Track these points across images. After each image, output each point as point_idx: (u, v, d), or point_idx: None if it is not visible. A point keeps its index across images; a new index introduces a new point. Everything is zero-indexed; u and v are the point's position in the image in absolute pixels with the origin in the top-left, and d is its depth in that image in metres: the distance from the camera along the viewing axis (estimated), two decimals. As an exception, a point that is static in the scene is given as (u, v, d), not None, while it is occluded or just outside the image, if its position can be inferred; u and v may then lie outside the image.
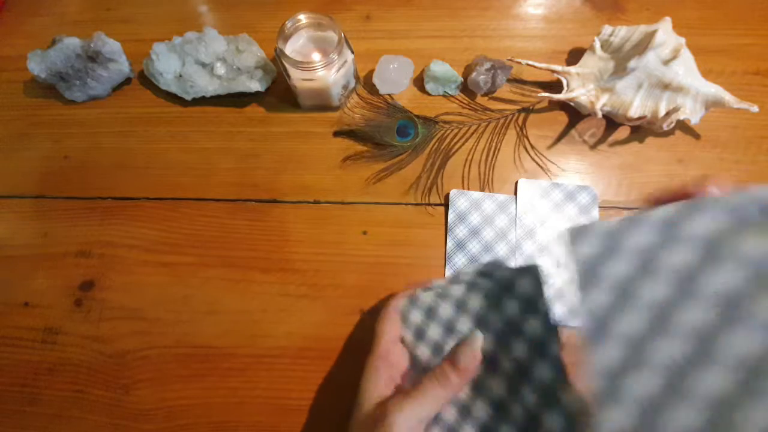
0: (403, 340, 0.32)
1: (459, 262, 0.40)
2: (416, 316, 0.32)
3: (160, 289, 0.41)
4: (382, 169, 0.44)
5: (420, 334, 0.32)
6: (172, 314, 0.41)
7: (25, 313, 0.42)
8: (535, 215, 0.41)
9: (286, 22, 0.41)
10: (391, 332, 0.32)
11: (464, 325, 0.30)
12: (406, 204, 0.43)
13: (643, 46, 0.40)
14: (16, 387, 0.39)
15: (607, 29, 0.43)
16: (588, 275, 0.22)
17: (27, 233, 0.44)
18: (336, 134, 0.46)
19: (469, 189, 0.43)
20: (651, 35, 0.39)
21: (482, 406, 0.29)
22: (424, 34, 0.50)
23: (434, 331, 0.31)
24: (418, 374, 0.31)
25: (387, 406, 0.27)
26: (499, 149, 0.44)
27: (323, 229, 0.43)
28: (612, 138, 0.44)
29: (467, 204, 0.42)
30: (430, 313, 0.32)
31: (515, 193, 0.42)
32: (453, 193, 0.42)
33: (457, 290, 0.31)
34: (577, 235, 0.22)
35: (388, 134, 0.45)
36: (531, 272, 0.28)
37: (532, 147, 0.44)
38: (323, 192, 0.44)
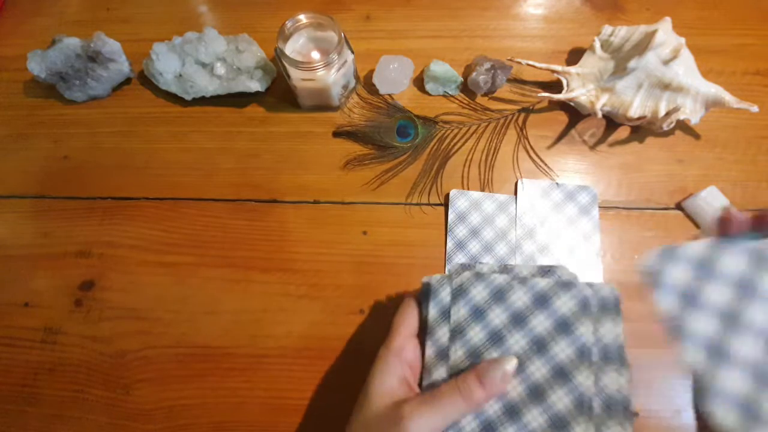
0: (424, 334, 0.30)
1: (459, 262, 0.40)
2: (481, 294, 0.29)
3: (160, 289, 0.41)
4: (382, 171, 0.44)
5: (479, 314, 0.29)
6: (172, 314, 0.41)
7: (25, 313, 0.42)
8: (535, 215, 0.41)
9: (286, 22, 0.41)
10: (409, 326, 0.30)
11: (540, 324, 0.28)
12: (406, 204, 0.43)
13: (643, 46, 0.40)
14: (16, 387, 0.39)
15: (607, 29, 0.43)
16: (688, 300, 0.23)
17: (27, 233, 0.44)
18: (336, 134, 0.46)
19: (469, 189, 0.43)
20: (651, 35, 0.39)
21: (536, 415, 0.26)
22: (424, 34, 0.50)
23: (498, 317, 0.28)
24: (433, 373, 0.29)
25: (403, 409, 0.25)
26: (499, 149, 0.44)
27: (323, 229, 0.43)
28: (612, 138, 0.44)
29: (467, 204, 0.42)
30: (501, 295, 0.29)
31: (515, 193, 0.42)
32: (453, 193, 0.42)
33: (543, 283, 0.28)
34: (665, 258, 0.24)
35: (388, 134, 0.45)
36: (615, 295, 0.28)
37: (532, 147, 0.44)
38: (323, 192, 0.44)
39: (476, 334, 0.28)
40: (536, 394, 0.27)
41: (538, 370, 0.27)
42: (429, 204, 0.43)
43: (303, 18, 0.42)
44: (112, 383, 0.39)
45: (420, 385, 0.29)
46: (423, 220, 0.42)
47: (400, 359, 0.29)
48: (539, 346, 0.27)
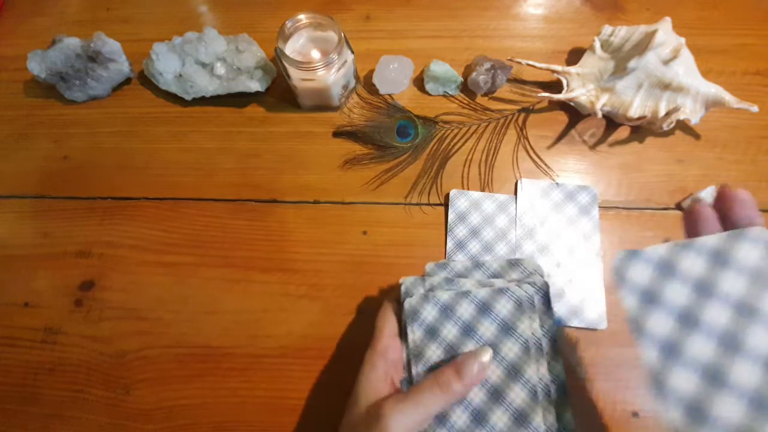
0: (403, 335, 0.31)
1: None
2: (430, 313, 0.31)
3: (160, 289, 0.41)
4: (382, 171, 0.44)
5: (433, 332, 0.30)
6: (172, 314, 0.41)
7: (25, 313, 0.42)
8: (535, 215, 0.41)
9: (286, 22, 0.41)
10: (392, 326, 0.31)
11: (487, 329, 0.30)
12: (406, 204, 0.43)
13: (643, 46, 0.40)
14: (16, 387, 0.39)
15: (607, 29, 0.43)
16: (648, 300, 0.23)
17: (27, 233, 0.44)
18: (336, 134, 0.46)
19: (469, 189, 0.43)
20: (651, 35, 0.39)
21: (500, 415, 0.28)
22: (424, 34, 0.50)
23: (450, 332, 0.30)
24: (416, 372, 0.30)
25: (383, 406, 0.26)
26: (499, 149, 0.44)
27: (323, 229, 0.43)
28: (612, 138, 0.44)
29: (467, 204, 0.42)
30: (448, 311, 0.31)
31: (515, 193, 0.42)
32: (453, 193, 0.42)
33: (483, 292, 0.30)
34: (628, 259, 0.24)
35: (388, 134, 0.45)
36: (543, 289, 0.30)
37: (532, 147, 0.44)
38: (323, 192, 0.44)
39: (434, 352, 0.30)
40: (496, 395, 0.29)
41: (494, 372, 0.29)
42: (429, 204, 0.43)
43: (303, 18, 0.42)
44: (112, 383, 0.39)
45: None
46: (423, 220, 0.42)
47: (385, 359, 0.30)
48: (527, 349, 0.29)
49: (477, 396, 0.29)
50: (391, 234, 0.42)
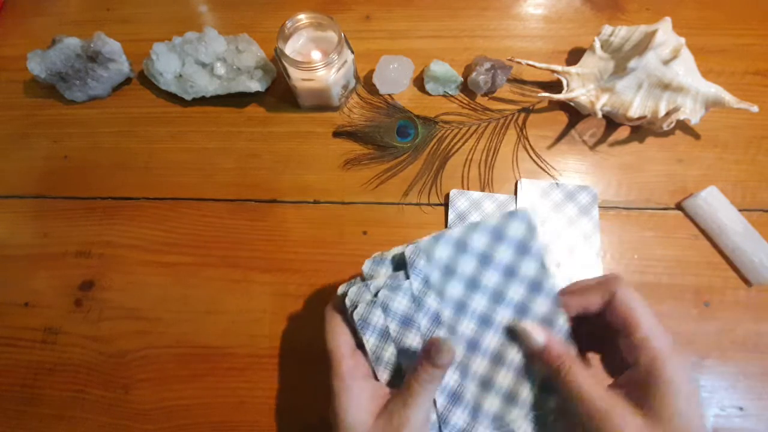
0: (361, 345, 0.29)
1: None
2: (379, 317, 0.29)
3: (160, 289, 0.41)
4: (382, 171, 0.44)
5: (386, 334, 0.29)
6: (172, 314, 0.41)
7: (25, 313, 0.42)
8: (535, 215, 0.41)
9: (286, 22, 0.41)
10: (346, 344, 0.29)
11: (453, 291, 0.30)
12: (406, 204, 0.43)
13: (643, 46, 0.40)
14: (16, 387, 0.40)
15: (607, 29, 0.43)
16: (447, 272, 0.30)
17: (27, 233, 0.44)
18: (336, 134, 0.46)
19: (469, 189, 0.43)
20: (651, 35, 0.39)
21: (480, 362, 0.29)
22: (424, 34, 0.50)
23: (423, 322, 0.29)
24: (383, 360, 0.29)
25: (392, 420, 0.25)
26: (498, 149, 0.44)
27: (323, 229, 0.43)
28: (612, 138, 0.44)
29: (467, 204, 0.42)
30: (388, 310, 0.29)
31: (515, 194, 0.42)
32: (453, 193, 0.42)
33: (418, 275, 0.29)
34: (434, 241, 0.30)
35: (388, 134, 0.45)
36: (520, 217, 0.30)
37: (532, 147, 0.44)
38: (323, 192, 0.44)
39: (392, 352, 0.29)
40: (498, 359, 0.29)
41: (491, 340, 0.29)
42: (429, 204, 0.43)
43: (303, 18, 0.42)
44: (112, 383, 0.39)
45: (376, 378, 0.29)
46: (423, 220, 0.42)
47: (358, 379, 0.28)
48: (484, 320, 0.30)
49: (481, 365, 0.29)
50: (391, 234, 0.42)
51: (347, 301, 0.29)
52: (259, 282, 0.41)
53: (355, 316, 0.29)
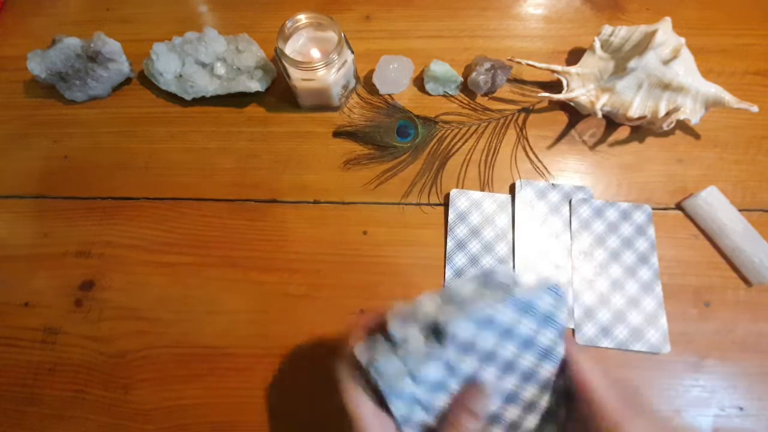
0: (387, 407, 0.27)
1: (459, 261, 0.40)
2: (408, 384, 0.26)
3: (160, 289, 0.41)
4: (382, 171, 0.44)
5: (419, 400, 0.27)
6: (172, 314, 0.41)
7: (25, 313, 0.42)
8: (534, 216, 0.41)
9: (286, 22, 0.41)
10: (369, 407, 0.27)
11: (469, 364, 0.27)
12: (406, 204, 0.43)
13: (643, 46, 0.40)
14: (16, 387, 0.39)
15: (607, 29, 0.43)
16: (466, 349, 0.27)
17: (27, 233, 0.44)
18: (336, 134, 0.46)
19: (468, 189, 0.43)
20: (651, 35, 0.39)
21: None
22: (424, 34, 0.50)
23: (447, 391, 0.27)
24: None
25: None
26: (498, 149, 0.44)
27: (323, 229, 0.43)
28: (612, 138, 0.44)
29: (467, 204, 0.42)
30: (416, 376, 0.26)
31: (511, 193, 0.42)
32: (453, 192, 0.42)
33: (464, 333, 0.27)
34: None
35: (388, 134, 0.45)
36: (550, 291, 0.28)
37: (532, 147, 0.44)
38: (323, 192, 0.44)
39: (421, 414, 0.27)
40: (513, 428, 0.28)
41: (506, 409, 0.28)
42: (429, 204, 0.43)
43: (303, 18, 0.42)
44: (112, 383, 0.39)
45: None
46: (423, 220, 0.42)
47: None
48: (506, 367, 0.28)
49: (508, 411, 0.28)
50: (391, 234, 0.42)
51: (372, 371, 0.27)
52: (259, 282, 0.41)
53: (381, 385, 0.26)
